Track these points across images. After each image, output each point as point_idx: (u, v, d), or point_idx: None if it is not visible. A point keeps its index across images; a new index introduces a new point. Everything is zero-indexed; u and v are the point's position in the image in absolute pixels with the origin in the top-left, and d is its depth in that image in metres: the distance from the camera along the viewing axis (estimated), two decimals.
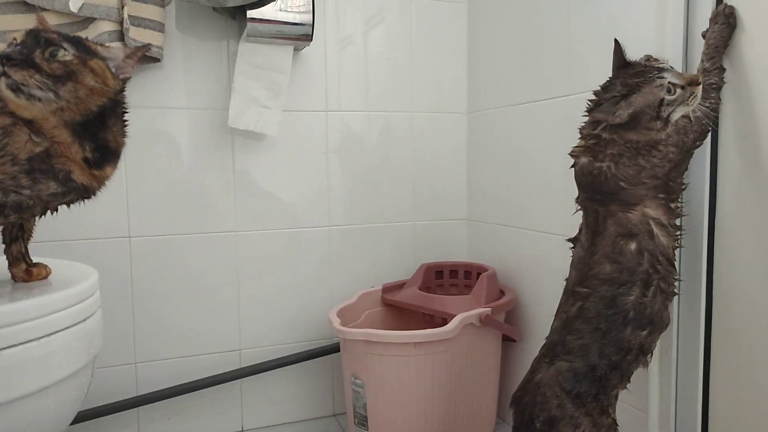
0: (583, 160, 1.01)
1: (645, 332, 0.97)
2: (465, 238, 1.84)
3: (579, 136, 1.03)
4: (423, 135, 1.78)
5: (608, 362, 0.97)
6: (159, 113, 1.51)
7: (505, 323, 1.53)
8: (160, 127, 1.52)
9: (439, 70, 1.78)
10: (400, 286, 1.69)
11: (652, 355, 1.00)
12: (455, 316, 1.38)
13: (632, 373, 1.00)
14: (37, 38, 0.83)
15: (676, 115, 0.95)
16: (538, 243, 1.50)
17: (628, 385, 1.01)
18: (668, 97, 0.92)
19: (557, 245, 1.43)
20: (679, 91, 0.93)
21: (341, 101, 1.68)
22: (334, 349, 1.65)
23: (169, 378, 1.56)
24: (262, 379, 1.65)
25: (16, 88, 0.80)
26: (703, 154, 1.06)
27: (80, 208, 0.99)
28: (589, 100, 1.00)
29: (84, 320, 0.91)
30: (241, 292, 1.62)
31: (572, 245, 1.10)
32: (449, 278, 1.72)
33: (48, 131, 0.86)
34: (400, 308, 1.63)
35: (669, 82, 0.92)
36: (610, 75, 0.99)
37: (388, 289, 1.68)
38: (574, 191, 1.37)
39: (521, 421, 1.05)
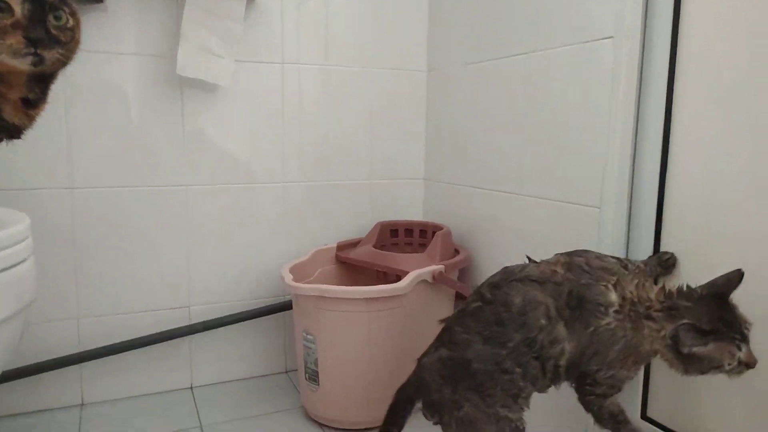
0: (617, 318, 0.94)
1: (519, 370, 0.97)
2: (421, 197, 1.83)
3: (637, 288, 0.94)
4: (382, 92, 1.74)
5: (484, 368, 0.98)
6: (104, 58, 1.43)
7: (459, 281, 1.54)
8: (106, 73, 1.43)
9: (399, 27, 1.74)
10: (354, 244, 1.68)
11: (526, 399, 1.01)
12: (409, 273, 1.38)
13: (516, 394, 0.98)
14: (41, 3, 0.81)
15: (711, 374, 0.88)
16: (494, 202, 1.50)
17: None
18: (728, 367, 0.85)
19: (513, 205, 1.43)
20: (735, 364, 0.86)
21: (299, 54, 1.62)
22: (287, 306, 1.63)
23: (115, 334, 1.51)
24: (213, 335, 1.62)
25: (39, 62, 0.82)
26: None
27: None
28: (669, 307, 0.90)
29: (13, 266, 0.86)
30: (191, 247, 1.57)
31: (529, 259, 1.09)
32: (404, 237, 1.71)
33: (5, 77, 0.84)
34: (354, 266, 1.62)
35: (739, 357, 0.85)
36: (710, 290, 0.88)
37: (342, 246, 1.66)
38: (535, 152, 1.37)
39: (402, 399, 1.07)
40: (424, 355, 1.08)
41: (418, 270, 1.39)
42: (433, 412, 1.04)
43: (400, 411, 1.08)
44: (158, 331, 1.54)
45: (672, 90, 1.08)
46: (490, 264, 1.53)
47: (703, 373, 0.87)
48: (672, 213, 1.09)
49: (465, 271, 1.61)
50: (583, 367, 0.96)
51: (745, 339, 0.84)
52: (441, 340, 1.06)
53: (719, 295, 0.87)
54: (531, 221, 1.36)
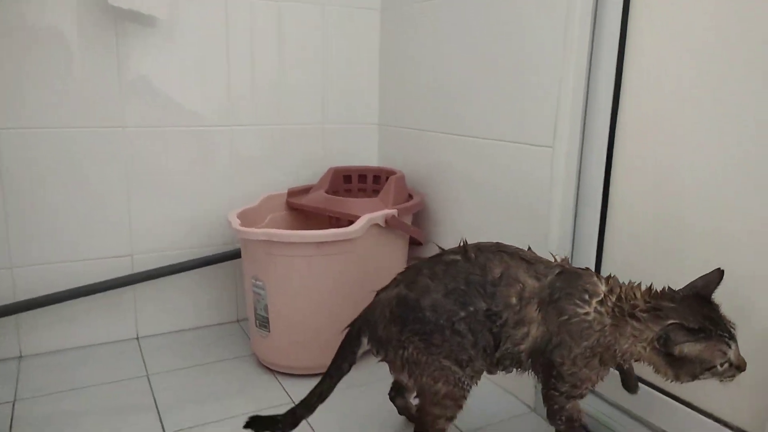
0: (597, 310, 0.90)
1: (471, 338, 0.94)
2: (376, 143, 1.79)
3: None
4: (334, 30, 1.66)
5: (435, 320, 0.95)
6: None
7: (413, 226, 1.52)
8: (36, 10, 1.31)
9: None
10: (306, 190, 1.63)
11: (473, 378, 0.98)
12: (361, 217, 1.35)
13: (465, 362, 0.96)
14: None
15: (703, 378, 0.85)
16: (449, 146, 1.47)
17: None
18: (720, 368, 0.82)
19: (467, 148, 1.40)
20: (726, 366, 0.82)
21: None
22: (237, 254, 1.58)
23: (54, 284, 1.44)
24: (160, 285, 1.56)
25: None
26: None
27: None
28: (654, 308, 0.86)
29: None
30: (132, 193, 1.49)
31: None
32: (358, 183, 1.67)
33: None
34: (306, 212, 1.58)
35: (730, 357, 0.82)
36: (691, 290, 0.86)
37: (293, 193, 1.61)
38: (489, 94, 1.33)
39: (352, 332, 1.05)
40: (384, 289, 1.06)
41: (371, 213, 1.36)
42: (378, 348, 1.03)
43: (350, 345, 1.05)
44: (100, 280, 1.47)
45: (626, 28, 1.06)
46: (443, 209, 1.51)
47: (695, 377, 0.83)
48: (623, 151, 1.09)
49: (420, 216, 1.59)
50: (549, 356, 0.92)
51: (733, 338, 0.81)
52: (404, 277, 1.03)
53: (701, 295, 0.85)
54: (485, 164, 1.35)
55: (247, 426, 1.01)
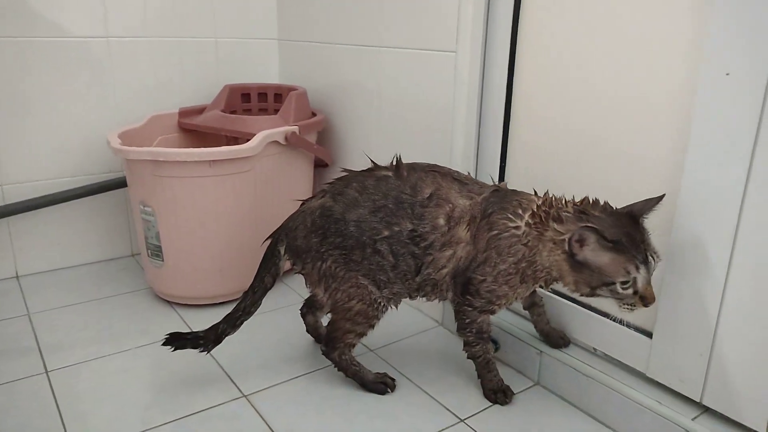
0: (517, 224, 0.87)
1: (392, 260, 0.92)
2: (276, 59, 1.66)
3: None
4: None
5: (358, 236, 0.92)
6: None
7: (317, 145, 1.44)
8: None
9: None
10: (200, 110, 1.50)
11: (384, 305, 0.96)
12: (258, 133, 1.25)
13: (383, 282, 0.93)
14: None
15: (602, 294, 0.81)
16: (352, 58, 1.38)
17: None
18: (620, 287, 0.79)
19: (371, 61, 1.32)
20: (630, 291, 0.79)
21: None
22: (124, 182, 1.44)
23: None
24: (38, 219, 1.41)
25: None
26: None
27: None
28: (581, 201, 0.85)
29: None
30: None
31: None
32: (258, 102, 1.55)
33: None
34: (201, 134, 1.45)
35: (634, 277, 0.78)
36: (625, 208, 0.82)
37: (186, 112, 1.47)
38: (392, 1, 1.24)
39: (273, 242, 1.01)
40: (311, 198, 1.00)
41: (269, 130, 1.27)
42: (295, 258, 0.98)
43: (271, 256, 1.00)
44: None
45: None
46: (349, 128, 1.44)
47: (592, 288, 0.81)
48: (524, 52, 1.04)
49: (325, 137, 1.51)
50: (470, 274, 0.89)
51: (646, 262, 0.78)
52: (331, 188, 0.97)
53: (632, 214, 0.82)
54: (389, 77, 1.27)
55: (166, 343, 0.97)
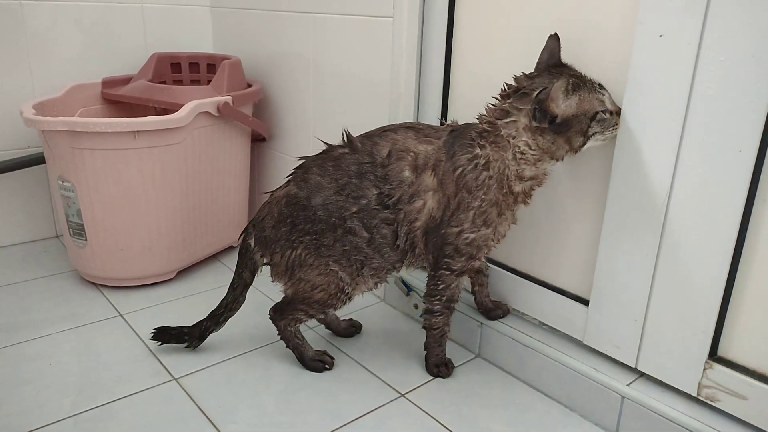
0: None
1: (366, 235, 0.89)
2: (209, 27, 1.58)
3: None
4: None
5: (327, 218, 0.89)
6: None
7: (253, 118, 1.37)
8: None
9: None
10: (126, 81, 1.41)
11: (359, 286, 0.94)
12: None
13: (362, 262, 0.91)
14: None
15: (594, 141, 0.81)
16: (289, 27, 1.32)
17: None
18: (606, 116, 0.79)
19: (309, 28, 1.26)
20: (609, 114, 0.80)
21: None
22: (43, 158, 1.34)
23: None
24: None
25: None
26: None
27: None
28: (507, 85, 0.83)
29: None
30: None
31: None
32: (190, 72, 1.47)
33: None
34: (128, 106, 1.36)
35: (604, 99, 0.79)
36: (540, 64, 0.84)
37: (110, 82, 1.38)
38: None
39: (245, 237, 0.98)
40: (276, 189, 0.97)
41: (199, 100, 1.20)
42: (264, 249, 0.95)
43: (245, 250, 0.98)
44: None
45: None
46: (287, 101, 1.38)
47: (585, 134, 0.80)
48: (463, 15, 1.01)
49: (263, 110, 1.44)
50: (444, 229, 0.87)
51: (602, 86, 0.80)
52: (294, 176, 0.94)
53: (552, 63, 0.82)
54: (328, 44, 1.22)
55: (153, 337, 1.00)
